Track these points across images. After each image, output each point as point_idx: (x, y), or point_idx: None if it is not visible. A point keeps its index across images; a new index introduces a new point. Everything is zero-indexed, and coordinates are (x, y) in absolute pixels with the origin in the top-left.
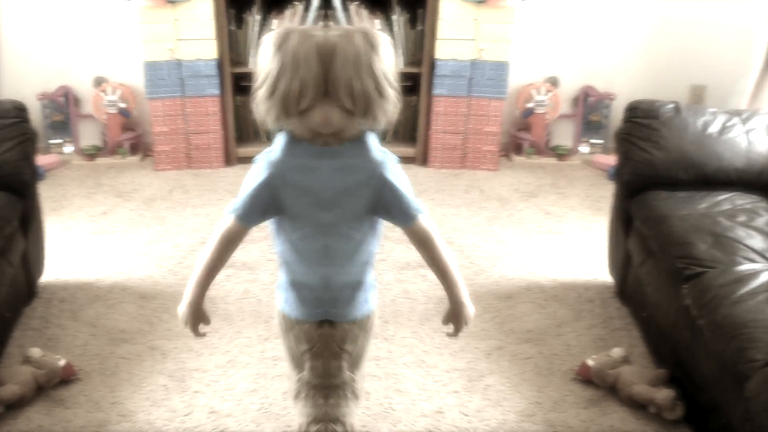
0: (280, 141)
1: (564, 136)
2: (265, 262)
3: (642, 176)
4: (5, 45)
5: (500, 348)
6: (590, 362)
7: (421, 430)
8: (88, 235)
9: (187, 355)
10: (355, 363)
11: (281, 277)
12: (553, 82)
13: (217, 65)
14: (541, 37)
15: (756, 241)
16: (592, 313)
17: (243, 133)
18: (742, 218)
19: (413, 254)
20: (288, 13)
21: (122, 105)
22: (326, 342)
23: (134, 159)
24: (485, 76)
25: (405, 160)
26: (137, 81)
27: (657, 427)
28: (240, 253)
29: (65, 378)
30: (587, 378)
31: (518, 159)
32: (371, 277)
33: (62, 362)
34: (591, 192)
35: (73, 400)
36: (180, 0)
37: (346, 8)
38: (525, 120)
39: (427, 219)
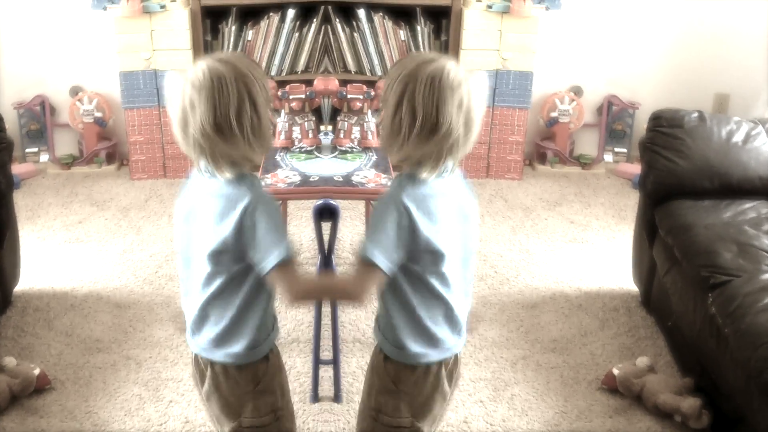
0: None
1: (588, 145)
2: None
3: (666, 185)
4: None
5: (525, 357)
6: (616, 371)
7: None
8: (63, 244)
9: (162, 364)
10: None
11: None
12: (577, 91)
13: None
14: (564, 47)
15: None
16: (618, 322)
17: None
18: (767, 227)
19: None
20: (263, 24)
21: (98, 114)
22: None
23: (110, 168)
24: (509, 85)
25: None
26: (113, 90)
27: None
28: None
29: (39, 387)
30: (613, 387)
31: (542, 168)
32: None
33: (36, 371)
34: (615, 201)
35: (47, 409)
36: (156, 10)
37: (370, 19)
38: (549, 129)
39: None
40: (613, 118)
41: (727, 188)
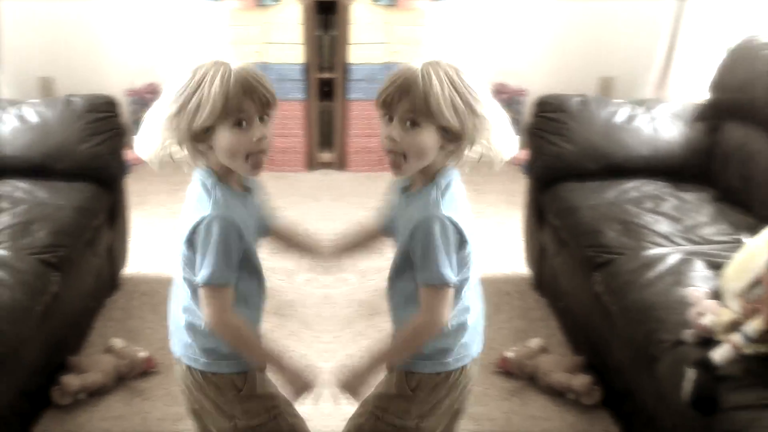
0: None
1: None
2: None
3: (553, 169)
4: (97, 40)
5: None
6: (509, 354)
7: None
8: (170, 231)
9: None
10: None
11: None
12: None
13: (302, 70)
14: (451, 37)
15: (662, 226)
16: (511, 306)
17: (325, 138)
18: (648, 204)
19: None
20: None
21: None
22: None
23: None
24: None
25: (323, 165)
26: None
27: (576, 413)
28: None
29: (146, 370)
30: (507, 370)
31: None
32: None
33: (143, 354)
34: (507, 187)
35: (151, 392)
36: (269, 4)
37: None
38: None
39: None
40: (502, 106)
41: (611, 169)
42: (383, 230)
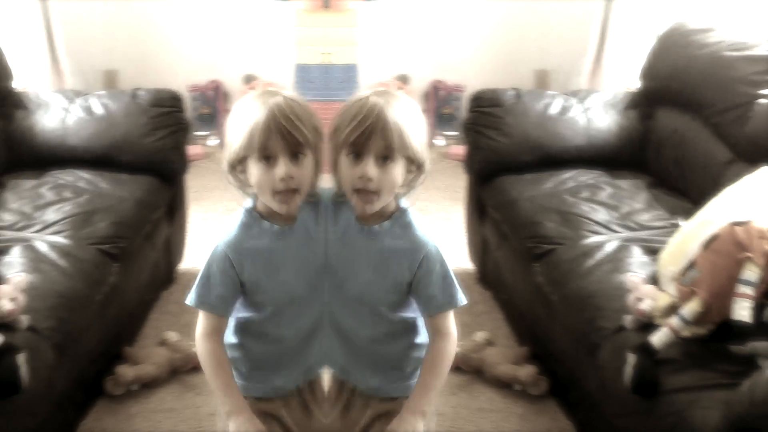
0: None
1: None
2: None
3: (490, 163)
4: (162, 34)
5: None
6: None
7: None
8: None
9: None
10: None
11: None
12: (403, 79)
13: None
14: (387, 37)
15: (600, 214)
16: None
17: None
18: (585, 194)
19: None
20: None
21: None
22: None
23: None
24: (336, 79)
25: None
26: (286, 82)
27: (523, 403)
28: None
29: (198, 365)
30: (454, 364)
31: None
32: None
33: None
34: (449, 183)
35: (204, 387)
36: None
37: None
38: None
39: None
40: (440, 103)
41: (547, 160)
42: None
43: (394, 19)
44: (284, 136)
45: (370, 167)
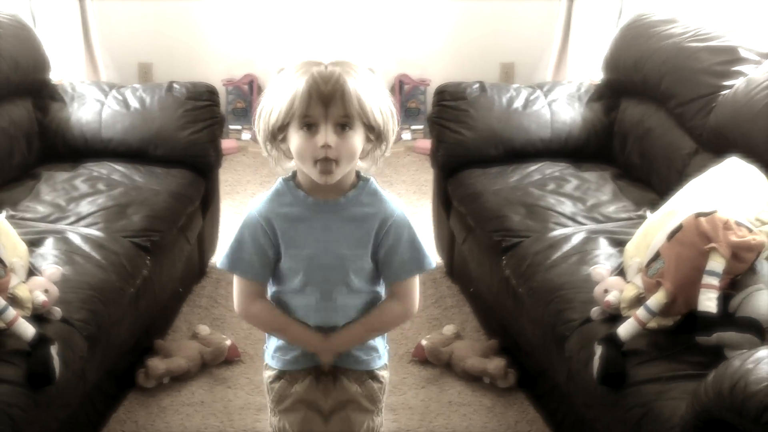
0: None
1: None
2: None
3: (455, 157)
4: (197, 28)
5: None
6: (424, 342)
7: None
8: None
9: None
10: None
11: None
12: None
13: None
14: (352, 30)
15: (566, 207)
16: (424, 294)
17: None
18: (551, 186)
19: None
20: None
21: None
22: None
23: None
24: None
25: None
26: None
27: (492, 396)
28: None
29: (229, 358)
30: (423, 358)
31: None
32: None
33: (228, 342)
34: (416, 177)
35: (234, 380)
36: None
37: None
38: None
39: None
40: (406, 97)
41: (512, 153)
42: None
43: (359, 12)
44: (328, 104)
45: (329, 135)
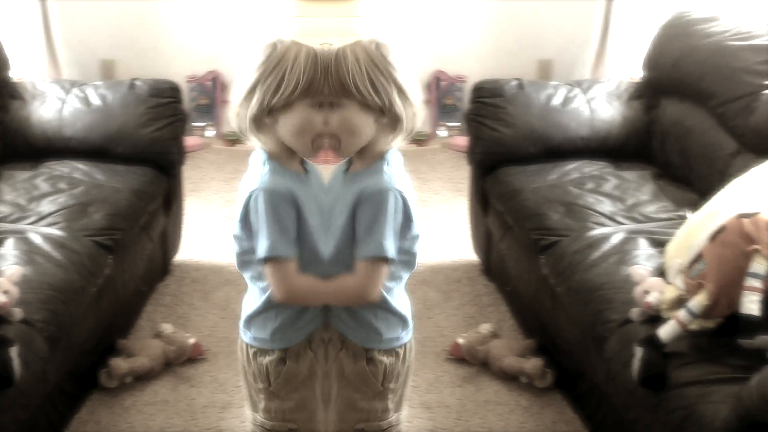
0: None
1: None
2: None
3: (493, 154)
4: (160, 25)
5: None
6: (461, 340)
7: None
8: (223, 219)
9: None
10: None
11: None
12: None
13: None
14: (389, 27)
15: (605, 206)
16: (461, 293)
17: None
18: (590, 185)
19: None
20: None
21: None
22: None
23: None
24: None
25: None
26: None
27: (529, 396)
28: None
29: (193, 356)
30: (459, 356)
31: None
32: None
33: (192, 340)
34: (452, 174)
35: (198, 378)
36: None
37: None
38: None
39: None
40: (442, 94)
41: (551, 151)
42: None
43: (395, 8)
44: (336, 82)
45: (329, 112)
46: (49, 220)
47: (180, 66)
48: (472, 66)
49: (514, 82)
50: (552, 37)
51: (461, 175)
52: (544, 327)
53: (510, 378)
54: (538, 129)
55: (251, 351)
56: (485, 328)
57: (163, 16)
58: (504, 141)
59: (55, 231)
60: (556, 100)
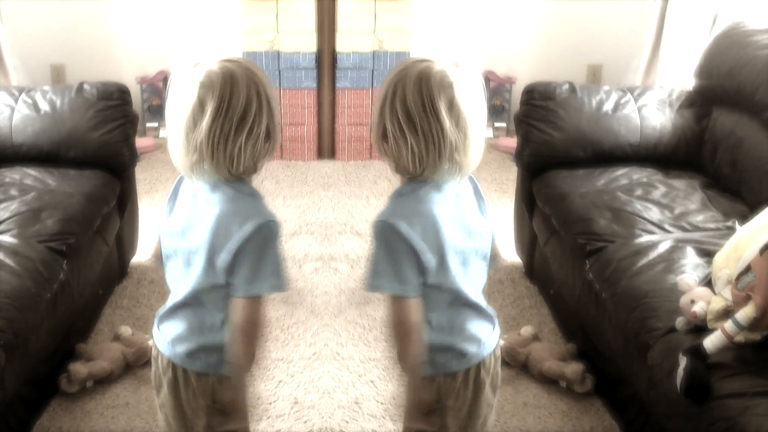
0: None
1: None
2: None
3: (542, 157)
4: (108, 27)
5: None
6: (501, 342)
7: (338, 421)
8: None
9: (272, 344)
10: None
11: None
12: None
13: (315, 58)
14: (439, 25)
15: (653, 213)
16: (503, 294)
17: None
18: (638, 192)
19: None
20: None
21: None
22: None
23: None
24: (388, 66)
25: (312, 154)
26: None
27: (569, 400)
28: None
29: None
30: (500, 358)
31: None
32: None
33: (151, 342)
34: (497, 175)
35: None
36: None
37: None
38: None
39: None
40: (491, 94)
41: (600, 156)
42: None
43: (446, 7)
44: None
45: None
46: (1, 227)
47: (130, 67)
48: (522, 68)
49: (565, 86)
50: (603, 42)
51: (506, 176)
52: (586, 332)
53: (550, 382)
54: (588, 133)
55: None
56: (527, 330)
57: (111, 18)
58: (553, 144)
59: (7, 238)
60: (608, 106)
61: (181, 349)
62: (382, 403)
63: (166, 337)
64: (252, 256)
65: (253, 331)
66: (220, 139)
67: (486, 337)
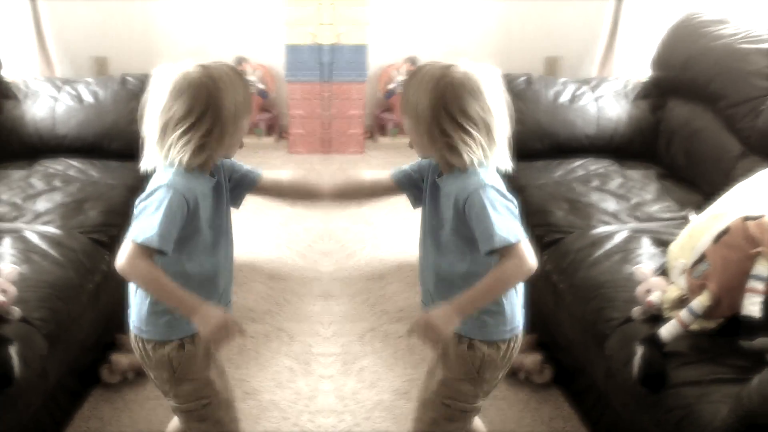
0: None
1: None
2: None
3: None
4: (151, 19)
5: (373, 329)
6: None
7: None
8: None
9: (313, 339)
10: None
11: None
12: (413, 61)
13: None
14: (397, 18)
15: (609, 204)
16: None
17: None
18: (595, 183)
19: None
20: None
21: (261, 86)
22: None
23: (269, 140)
24: (344, 59)
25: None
26: (277, 63)
27: (528, 391)
28: None
29: None
30: None
31: (383, 140)
32: None
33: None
34: None
35: None
36: None
37: None
38: (388, 101)
39: None
40: None
41: (557, 148)
42: (397, 185)
43: (405, 3)
44: None
45: None
46: (45, 218)
47: (172, 60)
48: (480, 60)
49: (522, 78)
50: (560, 34)
51: None
52: (544, 323)
53: (509, 373)
54: (545, 125)
55: (149, 345)
56: None
57: (153, 10)
58: (511, 136)
59: (51, 229)
60: (564, 97)
61: None
62: (342, 398)
63: None
64: (144, 211)
65: (129, 274)
66: (159, 132)
67: None
